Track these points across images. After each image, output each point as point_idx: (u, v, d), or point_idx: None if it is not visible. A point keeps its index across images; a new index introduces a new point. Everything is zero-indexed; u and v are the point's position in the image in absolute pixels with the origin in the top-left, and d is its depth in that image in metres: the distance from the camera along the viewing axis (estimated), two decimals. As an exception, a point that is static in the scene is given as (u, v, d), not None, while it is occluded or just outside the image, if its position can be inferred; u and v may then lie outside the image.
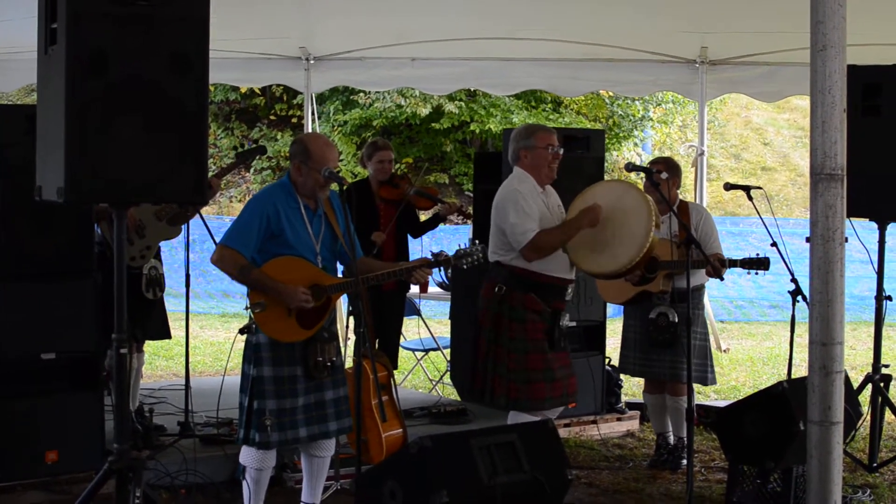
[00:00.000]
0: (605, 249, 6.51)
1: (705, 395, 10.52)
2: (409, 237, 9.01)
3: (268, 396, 5.79)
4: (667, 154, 23.92)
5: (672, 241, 7.29)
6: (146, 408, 7.54)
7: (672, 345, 7.57)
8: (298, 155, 5.89)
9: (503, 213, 6.57)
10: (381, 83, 12.37)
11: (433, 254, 6.08)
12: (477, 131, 21.31)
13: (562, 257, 6.60)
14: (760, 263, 7.48)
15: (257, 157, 20.72)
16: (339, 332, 10.26)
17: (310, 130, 11.83)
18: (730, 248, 16.98)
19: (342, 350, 6.24)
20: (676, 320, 7.50)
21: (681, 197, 7.93)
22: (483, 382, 6.66)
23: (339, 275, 6.22)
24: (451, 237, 17.13)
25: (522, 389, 6.56)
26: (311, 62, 11.29)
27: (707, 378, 7.84)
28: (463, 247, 6.15)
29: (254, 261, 5.81)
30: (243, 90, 22.38)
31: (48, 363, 6.54)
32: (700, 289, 7.89)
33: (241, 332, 5.91)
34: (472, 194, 16.09)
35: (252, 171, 22.73)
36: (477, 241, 6.19)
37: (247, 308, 5.82)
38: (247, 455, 5.92)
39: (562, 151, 6.74)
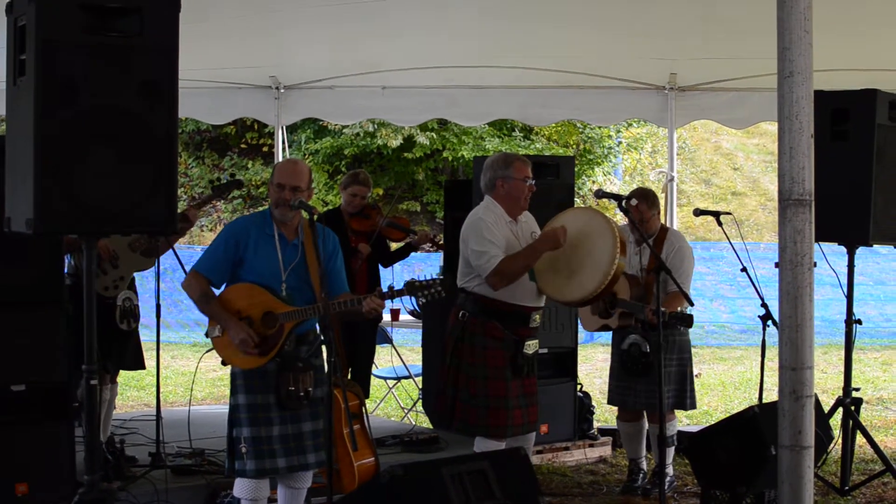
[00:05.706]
0: (573, 277, 6.52)
1: (678, 421, 10.51)
2: (381, 266, 9.02)
3: (243, 424, 5.79)
4: (637, 180, 24.02)
5: (629, 278, 7.29)
6: (117, 439, 7.49)
7: (646, 374, 7.57)
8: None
9: (467, 242, 6.59)
10: (352, 114, 12.33)
11: (389, 286, 5.98)
12: (449, 158, 21.32)
13: (528, 285, 6.59)
14: (683, 320, 7.30)
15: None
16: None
17: (280, 160, 11.82)
18: (702, 273, 17.07)
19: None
20: (648, 350, 7.50)
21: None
22: (447, 407, 6.68)
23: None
24: (423, 264, 17.13)
25: (482, 416, 6.57)
26: (282, 91, 11.28)
27: (685, 402, 7.84)
28: (422, 278, 5.91)
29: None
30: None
31: (18, 394, 6.47)
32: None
33: (224, 363, 5.93)
34: (443, 222, 16.09)
35: (223, 200, 22.66)
36: (436, 275, 6.03)
37: (207, 334, 5.88)
38: (239, 487, 5.89)
39: (534, 184, 6.75)
